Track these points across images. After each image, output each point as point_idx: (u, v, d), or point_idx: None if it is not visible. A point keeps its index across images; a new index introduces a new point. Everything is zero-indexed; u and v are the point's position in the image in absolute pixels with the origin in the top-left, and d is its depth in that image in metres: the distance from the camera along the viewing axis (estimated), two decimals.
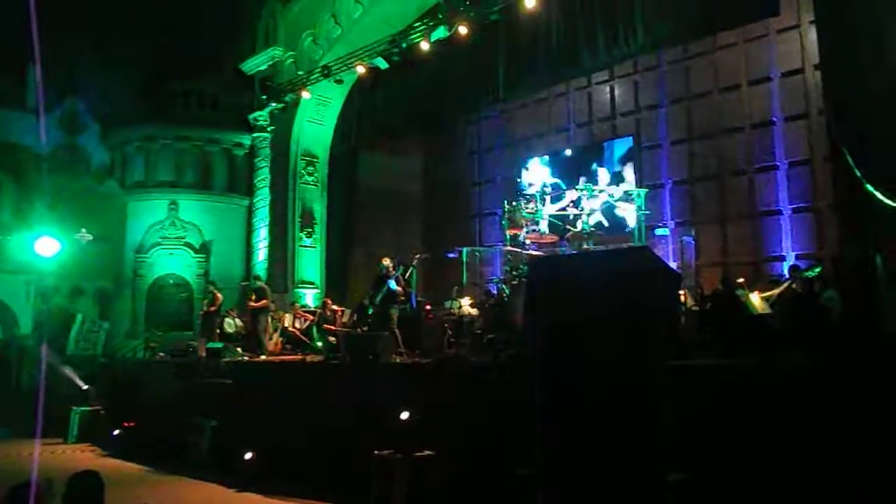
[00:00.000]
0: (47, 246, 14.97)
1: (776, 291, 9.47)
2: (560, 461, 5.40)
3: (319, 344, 12.98)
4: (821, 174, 12.45)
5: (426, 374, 9.23)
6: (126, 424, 12.85)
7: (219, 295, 14.27)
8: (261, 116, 18.74)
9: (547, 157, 16.44)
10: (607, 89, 16.16)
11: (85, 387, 14.57)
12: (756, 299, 8.70)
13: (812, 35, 11.86)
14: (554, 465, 5.44)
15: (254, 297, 13.42)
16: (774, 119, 13.51)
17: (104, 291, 18.61)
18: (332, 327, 13.13)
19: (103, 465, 11.32)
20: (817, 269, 9.87)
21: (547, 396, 5.57)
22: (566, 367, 5.48)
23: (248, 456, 9.72)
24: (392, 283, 10.82)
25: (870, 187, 8.36)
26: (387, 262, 11.22)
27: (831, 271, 9.83)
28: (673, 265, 10.04)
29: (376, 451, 7.75)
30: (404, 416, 7.67)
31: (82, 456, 12.42)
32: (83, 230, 16.70)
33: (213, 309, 14.10)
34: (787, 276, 10.07)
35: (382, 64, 15.12)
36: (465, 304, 12.14)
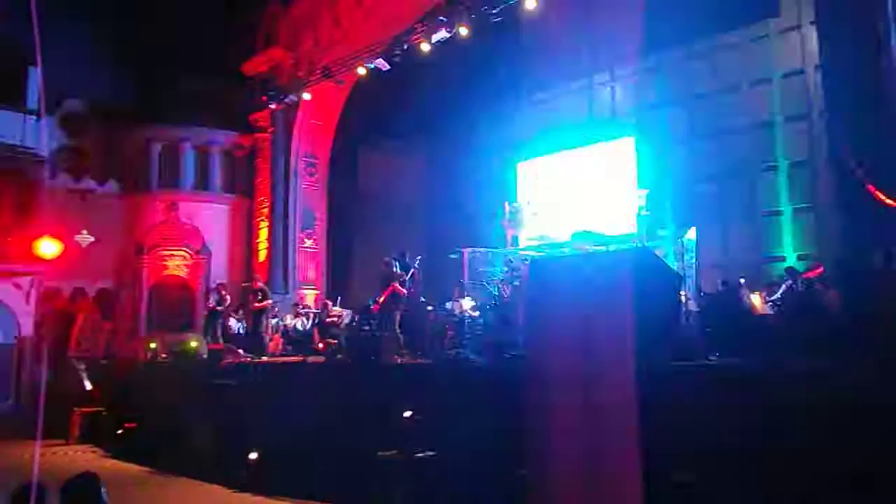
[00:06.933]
0: (48, 247, 14.96)
1: (778, 293, 9.45)
2: (559, 463, 5.40)
3: (320, 345, 12.99)
4: (822, 175, 12.44)
5: (427, 375, 9.24)
6: (127, 426, 12.85)
7: (227, 296, 14.25)
8: (261, 117, 18.77)
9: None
10: (608, 90, 16.13)
11: (89, 387, 14.57)
12: (757, 300, 8.71)
13: (813, 36, 11.86)
14: (552, 467, 5.45)
15: (259, 298, 13.44)
16: (775, 120, 13.50)
17: (105, 292, 18.63)
18: (333, 328, 13.14)
19: (105, 466, 11.35)
20: (817, 270, 9.85)
21: (546, 397, 5.57)
22: (566, 367, 5.48)
23: (252, 456, 9.72)
24: (397, 285, 10.81)
25: (871, 188, 8.36)
26: (391, 263, 11.23)
27: (832, 272, 9.82)
28: (673, 266, 10.03)
29: (378, 452, 7.75)
30: (406, 416, 7.67)
31: (84, 457, 12.44)
32: (84, 231, 16.72)
33: (218, 308, 14.08)
34: (785, 277, 10.05)
35: (384, 65, 15.13)
36: (467, 306, 12.13)
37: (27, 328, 17.68)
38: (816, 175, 12.71)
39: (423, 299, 12.78)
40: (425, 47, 14.26)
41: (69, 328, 17.09)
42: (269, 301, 13.60)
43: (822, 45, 10.07)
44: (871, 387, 5.46)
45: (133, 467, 11.29)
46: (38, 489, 3.53)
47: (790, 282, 9.58)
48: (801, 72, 13.02)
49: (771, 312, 8.76)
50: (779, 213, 13.31)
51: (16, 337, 17.58)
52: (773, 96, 13.54)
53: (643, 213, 11.97)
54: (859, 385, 5.55)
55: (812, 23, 11.73)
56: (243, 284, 17.76)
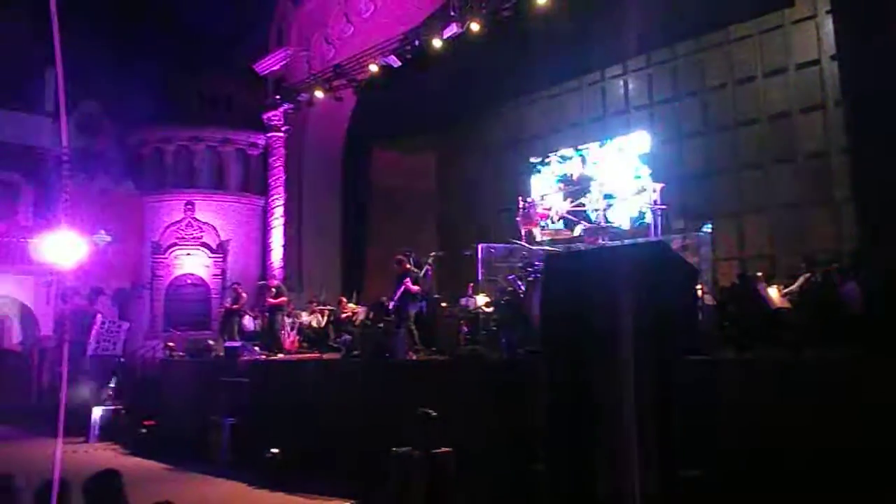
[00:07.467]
0: (66, 247, 15.12)
1: (795, 286, 9.37)
2: (572, 458, 5.39)
3: (336, 342, 13.03)
4: (838, 166, 12.32)
5: (442, 371, 9.26)
6: (147, 423, 12.97)
7: (244, 294, 14.32)
8: (274, 116, 18.86)
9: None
10: (621, 83, 16.05)
11: (113, 384, 14.67)
12: (774, 293, 8.64)
13: (828, 25, 11.73)
14: (566, 462, 5.44)
15: (274, 295, 13.51)
16: (790, 111, 13.36)
17: (123, 292, 18.83)
18: (349, 325, 13.17)
19: (125, 463, 11.45)
20: (834, 263, 9.76)
21: (560, 393, 5.56)
22: (580, 363, 5.46)
23: (272, 453, 9.79)
24: (410, 282, 10.83)
25: (887, 178, 8.27)
26: (404, 260, 11.24)
27: (850, 264, 9.73)
28: (689, 260, 9.96)
29: (394, 449, 7.77)
30: (421, 413, 7.68)
31: (104, 455, 12.56)
32: (102, 231, 16.90)
33: (234, 307, 14.16)
34: (803, 269, 9.96)
35: (395, 62, 15.13)
36: (481, 302, 12.13)
37: (47, 328, 17.92)
38: (833, 166, 12.58)
39: (437, 295, 12.79)
40: (437, 43, 14.25)
41: (87, 328, 17.27)
42: (285, 298, 13.68)
43: (838, 35, 9.96)
44: (889, 381, 5.41)
45: (153, 464, 11.39)
46: (61, 486, 3.59)
47: (808, 274, 9.50)
48: (817, 62, 12.88)
49: (788, 305, 8.68)
50: (795, 205, 13.19)
51: (36, 336, 17.84)
52: (788, 87, 13.41)
53: (658, 206, 11.93)
54: (877, 379, 5.50)
55: (828, 12, 11.61)
56: (259, 283, 17.88)
